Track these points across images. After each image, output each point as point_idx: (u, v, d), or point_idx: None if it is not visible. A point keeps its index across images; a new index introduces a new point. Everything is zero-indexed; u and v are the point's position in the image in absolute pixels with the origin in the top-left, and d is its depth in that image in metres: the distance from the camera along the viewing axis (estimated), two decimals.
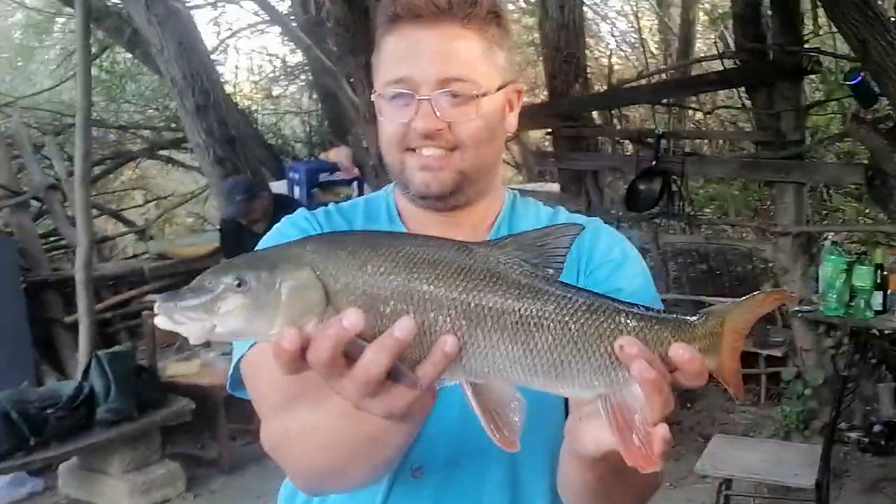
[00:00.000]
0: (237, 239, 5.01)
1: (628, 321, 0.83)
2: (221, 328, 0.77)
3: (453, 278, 0.79)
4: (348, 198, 7.07)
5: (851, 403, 4.66)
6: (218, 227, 6.11)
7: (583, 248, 1.28)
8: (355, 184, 7.22)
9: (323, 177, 7.12)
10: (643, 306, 0.87)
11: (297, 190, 7.13)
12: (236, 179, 5.74)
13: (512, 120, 1.28)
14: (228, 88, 9.22)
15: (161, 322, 0.78)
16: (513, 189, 1.40)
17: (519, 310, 0.80)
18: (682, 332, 0.85)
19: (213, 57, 8.50)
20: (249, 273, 0.77)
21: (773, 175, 5.72)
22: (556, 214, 1.35)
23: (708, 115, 8.37)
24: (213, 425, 4.99)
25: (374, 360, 0.78)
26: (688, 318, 0.87)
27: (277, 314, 0.77)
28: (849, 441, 5.21)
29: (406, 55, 1.19)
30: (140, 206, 10.47)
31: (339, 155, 7.27)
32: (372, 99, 1.24)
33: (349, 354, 0.78)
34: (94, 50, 7.59)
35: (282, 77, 11.39)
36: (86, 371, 4.75)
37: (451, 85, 1.17)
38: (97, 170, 8.76)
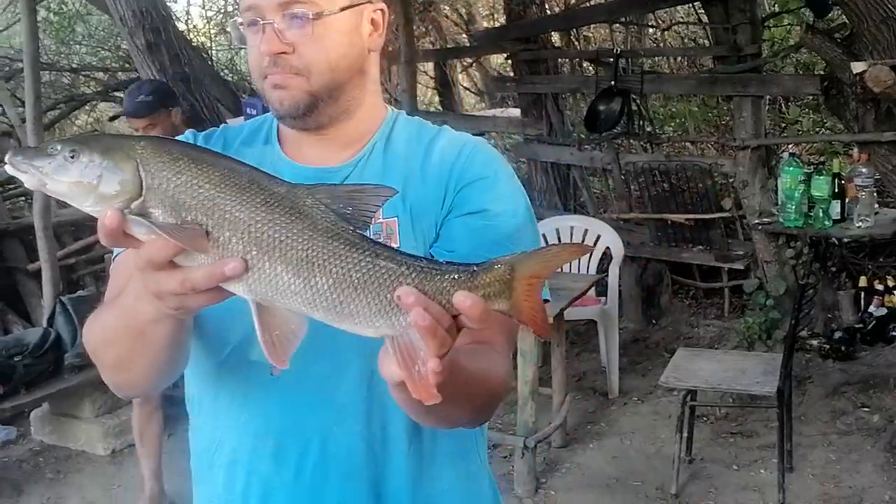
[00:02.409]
0: None
1: (408, 272, 0.91)
2: (51, 186, 0.90)
3: (253, 206, 0.88)
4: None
5: (811, 311, 4.75)
6: None
7: (455, 165, 1.32)
8: None
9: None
10: (427, 259, 0.95)
11: None
12: (148, 80, 4.95)
13: (376, 39, 1.31)
14: (181, 26, 9.04)
15: (8, 169, 0.92)
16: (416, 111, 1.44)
17: (306, 248, 0.89)
18: (463, 282, 0.92)
19: None
20: (84, 150, 0.89)
21: (730, 89, 5.73)
22: (440, 132, 1.39)
23: (666, 32, 8.33)
24: None
25: (160, 247, 0.90)
26: (469, 267, 0.94)
27: (93, 191, 0.89)
28: (811, 349, 5.33)
29: None
30: None
31: None
32: (235, 26, 1.31)
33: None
34: None
35: (235, 10, 11.16)
36: (51, 317, 4.73)
37: (290, 8, 1.22)
38: (52, 114, 8.61)
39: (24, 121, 6.19)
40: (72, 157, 0.89)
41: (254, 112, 7.15)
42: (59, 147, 0.90)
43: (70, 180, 0.89)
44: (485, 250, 1.20)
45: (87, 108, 10.19)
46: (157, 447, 4.03)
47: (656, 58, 8.09)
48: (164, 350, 1.11)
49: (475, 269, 0.94)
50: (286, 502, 1.29)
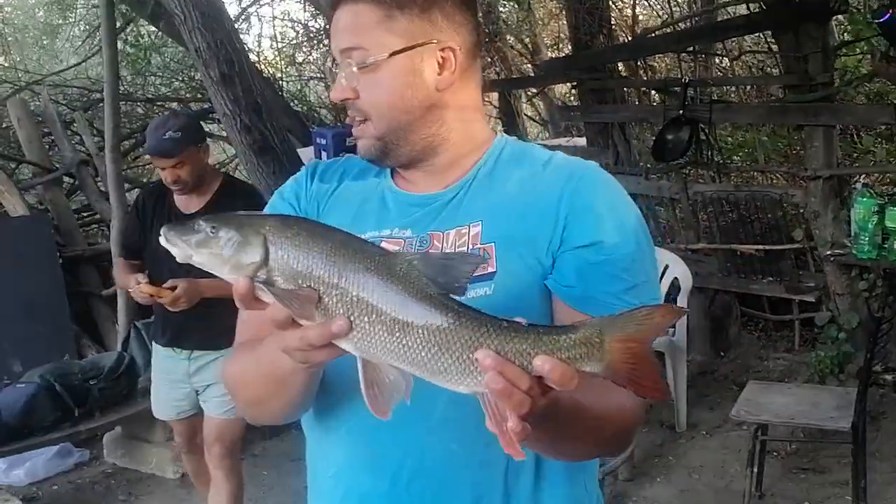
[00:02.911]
0: (143, 216, 3.63)
1: (489, 334, 0.97)
2: (196, 258, 1.06)
3: (356, 273, 1.00)
4: None
5: (886, 345, 4.64)
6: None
7: (564, 193, 1.31)
8: None
9: (350, 141, 7.08)
10: (510, 321, 0.99)
11: (324, 155, 7.15)
12: (173, 113, 4.48)
13: (446, 78, 1.32)
14: (252, 57, 9.23)
15: (161, 241, 1.08)
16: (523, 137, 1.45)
17: (396, 311, 0.99)
18: (544, 344, 0.97)
19: (236, 26, 8.50)
20: (222, 227, 1.04)
21: (801, 119, 5.66)
22: (552, 158, 1.39)
23: (735, 62, 8.26)
24: None
25: (280, 310, 1.04)
26: (552, 330, 1.00)
27: (228, 262, 1.04)
28: (885, 383, 5.20)
29: (331, 29, 1.33)
30: None
31: None
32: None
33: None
34: (117, 24, 7.61)
35: (304, 43, 11.37)
36: (125, 341, 4.84)
37: (348, 55, 1.29)
38: (127, 143, 8.85)
39: (101, 149, 6.37)
40: (212, 233, 1.04)
41: (323, 142, 7.25)
42: (203, 224, 1.05)
43: (210, 252, 1.05)
44: (599, 285, 1.25)
45: None
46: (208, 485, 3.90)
47: (725, 87, 8.02)
48: (298, 395, 1.28)
49: (559, 331, 0.99)
50: None
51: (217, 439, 3.60)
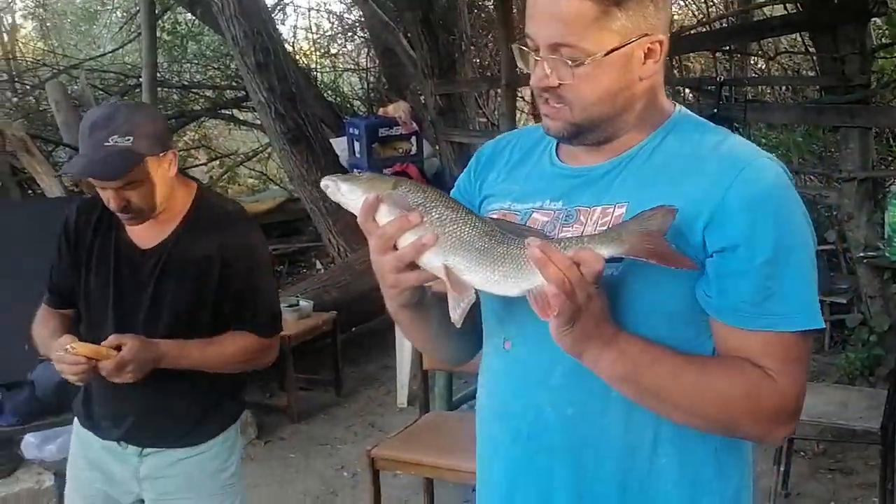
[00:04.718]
0: (78, 247, 2.31)
1: (532, 243, 1.19)
2: (343, 189, 1.28)
3: (454, 212, 1.25)
4: (406, 152, 6.92)
5: None
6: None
7: (719, 185, 1.25)
8: (414, 138, 7.27)
9: (382, 132, 7.19)
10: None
11: (356, 145, 7.21)
12: (119, 106, 2.27)
13: (650, 67, 1.30)
14: (287, 48, 9.30)
15: (322, 184, 1.32)
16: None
17: (469, 235, 1.24)
18: (572, 243, 1.19)
19: (272, 16, 8.56)
20: (366, 171, 1.34)
21: (837, 120, 5.62)
22: (724, 143, 1.32)
23: (770, 62, 8.22)
24: (281, 375, 5.13)
25: (388, 229, 1.24)
26: (581, 237, 1.24)
27: (363, 185, 1.27)
28: None
29: (532, 13, 1.29)
30: (204, 164, 10.65)
31: (397, 110, 7.32)
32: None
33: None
34: (156, 11, 7.70)
35: (339, 34, 11.43)
36: None
37: (558, 51, 1.26)
38: None
39: None
40: (360, 173, 1.30)
41: (355, 132, 7.32)
42: (357, 171, 1.36)
43: (352, 182, 1.28)
44: (737, 294, 1.24)
45: (193, 124, 10.55)
46: None
47: (760, 87, 7.98)
48: (420, 332, 1.48)
49: (587, 236, 1.23)
50: (506, 459, 1.42)
51: None
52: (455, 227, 1.24)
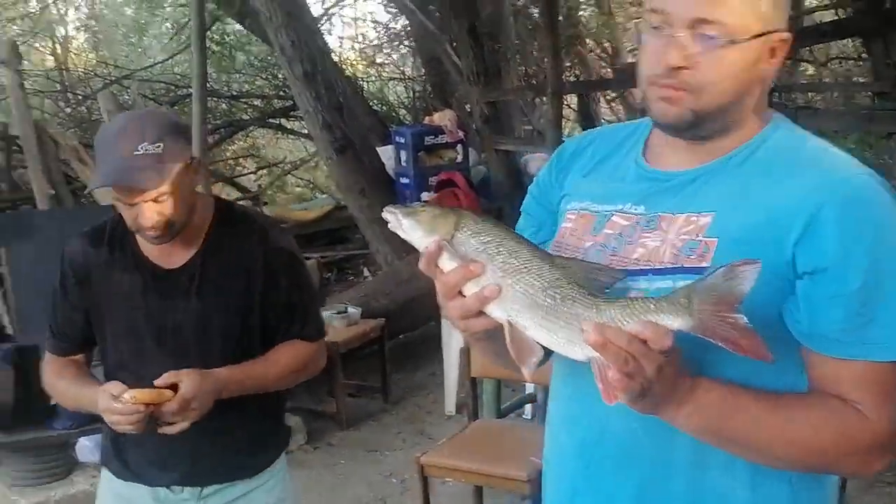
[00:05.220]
0: (85, 286, 2.09)
1: (595, 308, 1.13)
2: (405, 225, 1.22)
3: (518, 259, 1.17)
4: (452, 161, 6.90)
5: None
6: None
7: (812, 201, 1.17)
8: (459, 146, 7.29)
9: (428, 140, 7.21)
10: (617, 298, 1.14)
11: (402, 154, 7.24)
12: (143, 115, 2.09)
13: (772, 66, 1.25)
14: (334, 57, 9.38)
15: (384, 215, 1.25)
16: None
17: (532, 290, 1.16)
18: (635, 310, 1.11)
19: (318, 26, 8.64)
20: (429, 205, 1.23)
21: (891, 126, 5.54)
22: (822, 157, 1.25)
23: (822, 67, 8.12)
24: (330, 382, 5.15)
25: (450, 278, 1.18)
26: (645, 299, 1.12)
27: (425, 226, 1.21)
28: None
29: None
30: (252, 173, 10.77)
31: (443, 118, 7.34)
32: (636, 22, 1.30)
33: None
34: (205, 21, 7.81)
35: (385, 44, 11.51)
36: None
37: (702, 27, 1.19)
38: (210, 139, 9.06)
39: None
40: (422, 208, 1.23)
41: (402, 140, 7.34)
42: (418, 204, 1.25)
43: (414, 219, 1.22)
44: (828, 321, 1.17)
45: (241, 134, 10.67)
46: None
47: (811, 93, 7.89)
48: (494, 355, 1.39)
49: (651, 299, 1.12)
50: (571, 468, 1.39)
51: None
52: (518, 278, 1.18)
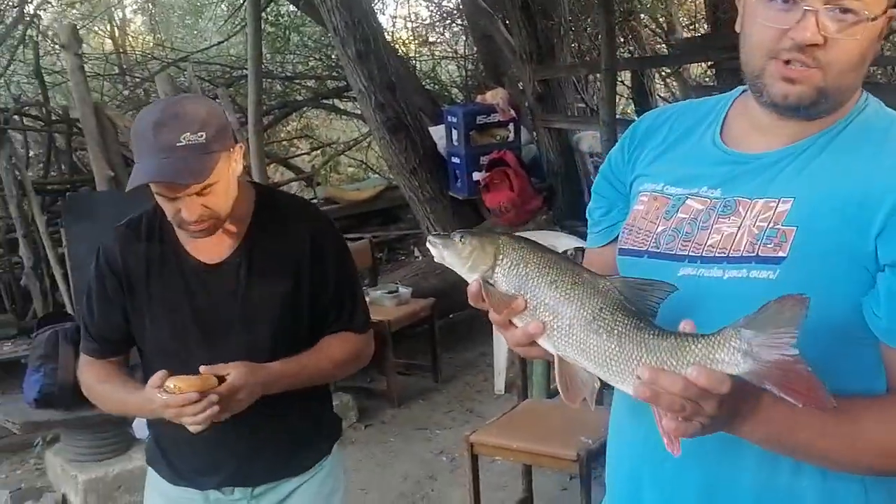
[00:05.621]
0: (129, 284, 2.01)
1: (647, 349, 1.10)
2: (447, 259, 1.24)
3: (560, 291, 1.17)
4: (504, 139, 6.89)
5: None
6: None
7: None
8: (511, 125, 7.25)
9: (480, 119, 7.18)
10: (672, 334, 1.09)
11: (454, 133, 7.24)
12: (182, 102, 1.92)
13: (880, 43, 1.22)
14: (386, 37, 9.39)
15: (427, 245, 1.28)
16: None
17: (580, 324, 1.15)
18: (690, 353, 1.07)
19: (372, 5, 8.66)
20: (467, 236, 1.23)
21: None
22: None
23: (884, 41, 7.91)
24: (381, 360, 5.20)
25: (498, 311, 1.19)
26: (699, 339, 1.07)
27: (466, 262, 1.22)
28: None
29: None
30: (306, 153, 10.85)
31: (495, 97, 7.30)
32: None
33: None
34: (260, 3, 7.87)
35: (437, 22, 11.48)
36: None
37: (842, 1, 1.14)
38: (265, 120, 9.15)
39: (242, 124, 6.62)
40: (460, 240, 1.23)
41: (454, 120, 7.33)
42: (456, 233, 1.25)
43: (454, 255, 1.24)
44: None
45: (295, 114, 10.76)
46: None
47: (871, 67, 7.70)
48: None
49: (704, 339, 1.07)
50: (635, 458, 1.36)
51: None
52: (561, 312, 1.16)
